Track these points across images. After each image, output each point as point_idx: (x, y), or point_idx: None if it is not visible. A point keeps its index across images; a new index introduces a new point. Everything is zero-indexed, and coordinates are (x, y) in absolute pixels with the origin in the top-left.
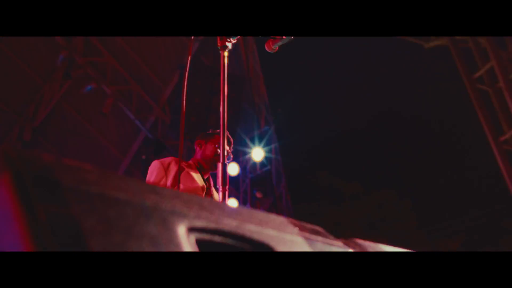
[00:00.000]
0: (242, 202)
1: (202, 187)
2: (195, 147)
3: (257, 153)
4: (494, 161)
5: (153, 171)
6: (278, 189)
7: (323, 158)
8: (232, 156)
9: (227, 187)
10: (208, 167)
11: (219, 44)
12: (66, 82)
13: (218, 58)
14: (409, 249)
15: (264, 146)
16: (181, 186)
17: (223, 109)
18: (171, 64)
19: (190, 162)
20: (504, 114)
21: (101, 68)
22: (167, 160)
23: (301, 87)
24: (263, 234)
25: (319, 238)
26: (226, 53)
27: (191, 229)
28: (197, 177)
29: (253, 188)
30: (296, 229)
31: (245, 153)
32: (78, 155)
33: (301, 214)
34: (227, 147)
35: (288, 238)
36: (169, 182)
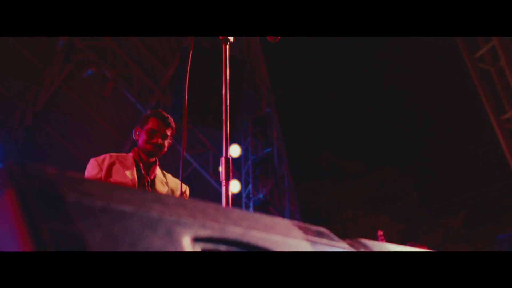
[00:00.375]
0: (244, 183)
1: (133, 182)
2: (134, 137)
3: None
4: (496, 139)
5: (89, 168)
6: (280, 170)
7: (324, 138)
8: (170, 142)
9: (230, 181)
10: (145, 157)
11: (220, 37)
12: (66, 66)
13: (218, 40)
14: (411, 226)
15: (265, 128)
16: (111, 180)
17: (225, 106)
18: (172, 47)
19: (130, 154)
20: (506, 93)
21: (102, 52)
22: (101, 156)
23: (302, 68)
24: (268, 240)
25: (324, 240)
26: (227, 46)
27: (196, 239)
28: (129, 171)
29: (255, 170)
30: (301, 233)
31: (247, 135)
32: (79, 139)
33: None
34: (167, 131)
35: (293, 242)
36: (102, 176)
